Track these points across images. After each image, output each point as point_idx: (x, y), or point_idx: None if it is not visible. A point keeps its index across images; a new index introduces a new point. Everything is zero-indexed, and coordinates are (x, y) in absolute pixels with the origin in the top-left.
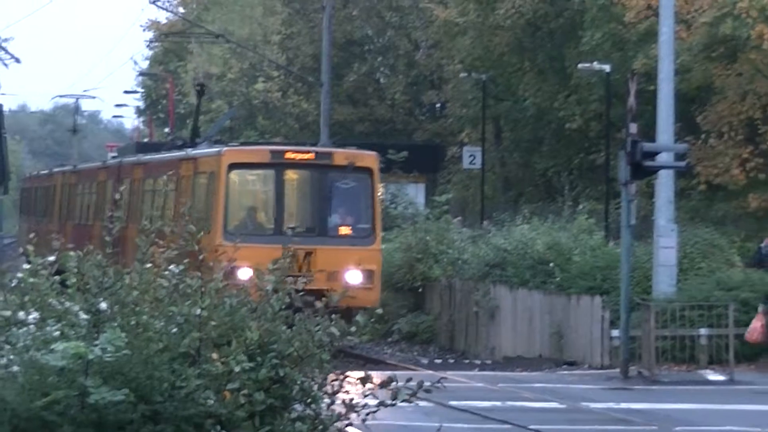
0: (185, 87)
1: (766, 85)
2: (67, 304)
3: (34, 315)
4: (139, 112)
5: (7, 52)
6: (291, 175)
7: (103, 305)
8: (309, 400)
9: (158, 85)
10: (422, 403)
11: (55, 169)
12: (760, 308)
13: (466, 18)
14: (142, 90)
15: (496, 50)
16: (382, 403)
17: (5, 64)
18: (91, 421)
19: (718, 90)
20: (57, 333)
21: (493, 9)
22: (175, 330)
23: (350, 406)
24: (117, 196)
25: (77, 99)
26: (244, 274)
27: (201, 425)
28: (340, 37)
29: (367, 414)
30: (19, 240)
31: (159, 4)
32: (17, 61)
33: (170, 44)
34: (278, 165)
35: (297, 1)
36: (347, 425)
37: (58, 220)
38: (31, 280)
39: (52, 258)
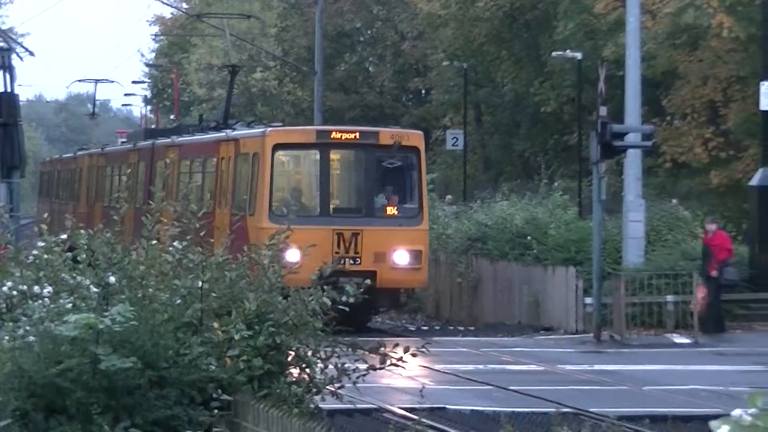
0: (189, 77)
1: (725, 71)
2: (79, 278)
3: (48, 289)
4: (146, 101)
5: (22, 46)
6: (336, 155)
7: (112, 279)
8: (304, 365)
9: (164, 75)
10: (410, 367)
11: (80, 152)
12: (699, 280)
13: (448, 10)
14: (149, 80)
15: (476, 40)
16: (371, 367)
17: (21, 58)
18: (102, 387)
19: (681, 75)
20: (69, 305)
21: (473, 2)
22: (179, 301)
23: (342, 371)
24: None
25: (96, 83)
26: (292, 255)
27: (204, 389)
28: (332, 29)
29: (358, 377)
30: (37, 221)
31: (164, 0)
32: (32, 54)
33: (174, 37)
34: (323, 145)
35: None
36: (339, 388)
37: (86, 203)
38: (46, 256)
39: (64, 236)
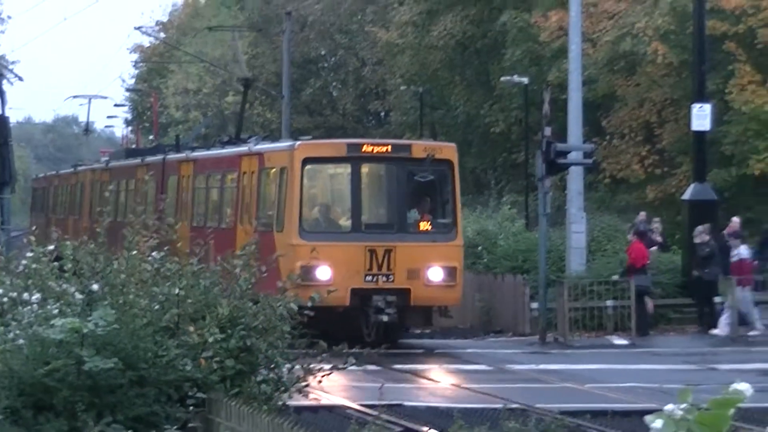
0: (166, 100)
1: (660, 94)
2: (65, 286)
3: (36, 296)
4: (128, 122)
5: (12, 72)
6: (368, 168)
7: (95, 287)
8: (273, 366)
9: (143, 99)
10: (370, 367)
11: (81, 167)
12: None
13: (405, 39)
14: (130, 103)
15: (431, 66)
16: (335, 367)
17: (11, 83)
18: (86, 386)
19: (620, 98)
20: (56, 311)
21: (427, 31)
22: (157, 307)
23: (308, 370)
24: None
25: (90, 99)
26: (324, 273)
27: (180, 388)
28: (298, 56)
29: (322, 376)
30: (28, 233)
31: (143, 30)
32: (21, 79)
33: (153, 64)
34: (354, 159)
35: (262, 25)
36: (305, 386)
37: (89, 217)
38: (34, 266)
39: (51, 247)
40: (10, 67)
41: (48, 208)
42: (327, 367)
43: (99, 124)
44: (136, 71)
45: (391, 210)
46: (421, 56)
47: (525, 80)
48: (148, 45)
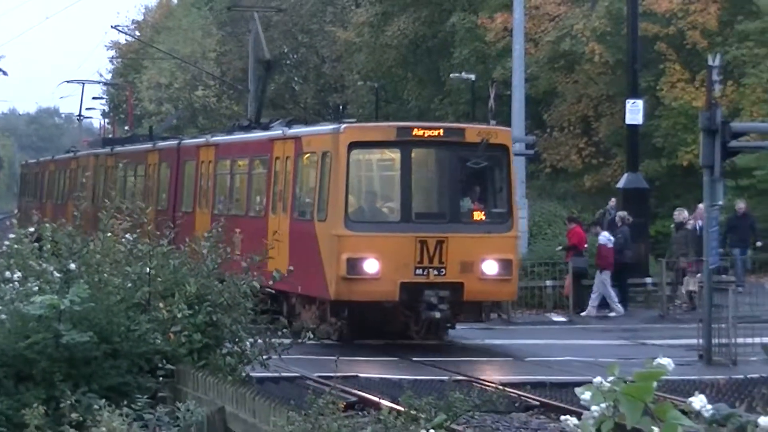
0: (141, 94)
1: (597, 90)
2: (44, 265)
3: (18, 274)
4: (105, 114)
5: None
6: (418, 154)
7: (72, 266)
8: (237, 340)
9: (119, 92)
10: (327, 342)
11: (82, 153)
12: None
13: (362, 38)
14: (107, 97)
15: (386, 63)
16: (294, 342)
17: None
18: (63, 358)
19: (559, 94)
20: (36, 288)
21: (382, 31)
22: (129, 285)
23: (269, 345)
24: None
25: (83, 84)
26: (371, 266)
27: (151, 360)
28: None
29: (283, 350)
30: (20, 217)
31: (119, 28)
32: (5, 74)
33: (128, 60)
34: (404, 143)
35: (229, 25)
36: (267, 359)
37: (92, 202)
38: (16, 246)
39: (32, 229)
40: None
41: (42, 192)
42: (287, 341)
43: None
44: (113, 66)
45: (443, 198)
46: (376, 54)
47: (472, 77)
48: (124, 42)
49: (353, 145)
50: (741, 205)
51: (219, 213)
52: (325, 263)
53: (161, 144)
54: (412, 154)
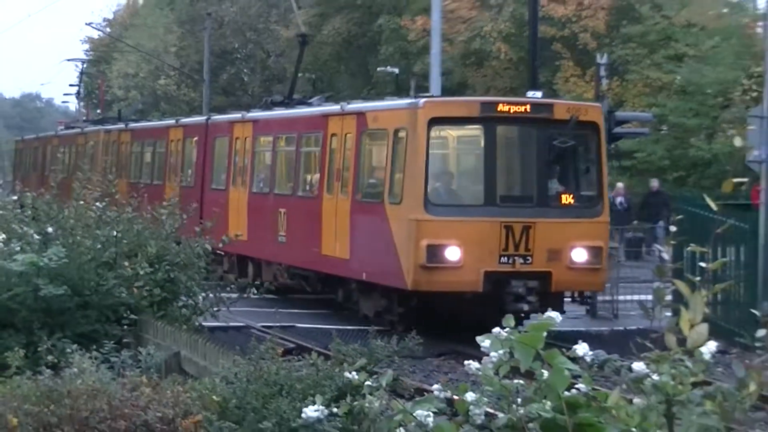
0: (111, 82)
1: (502, 83)
2: (25, 228)
3: (2, 236)
4: (78, 96)
5: None
6: (503, 131)
7: (50, 229)
8: (191, 294)
9: (93, 81)
10: (269, 296)
11: (91, 128)
12: None
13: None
14: (81, 84)
15: (322, 58)
16: (240, 296)
17: None
18: (41, 308)
19: (470, 86)
20: (18, 248)
21: (320, 30)
22: (99, 246)
23: (219, 299)
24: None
25: (83, 63)
26: (453, 254)
27: (117, 311)
28: (217, 48)
29: (231, 303)
30: (15, 191)
31: (92, 25)
32: None
33: (101, 53)
34: (489, 119)
35: (188, 23)
36: (217, 311)
37: (102, 176)
38: (1, 212)
39: (14, 197)
40: None
41: (42, 167)
42: (234, 295)
43: (57, 101)
44: (87, 58)
45: (530, 180)
46: (314, 50)
47: (396, 71)
48: (97, 37)
49: (433, 122)
50: (654, 183)
51: (258, 192)
52: (399, 250)
53: (185, 120)
54: (497, 132)
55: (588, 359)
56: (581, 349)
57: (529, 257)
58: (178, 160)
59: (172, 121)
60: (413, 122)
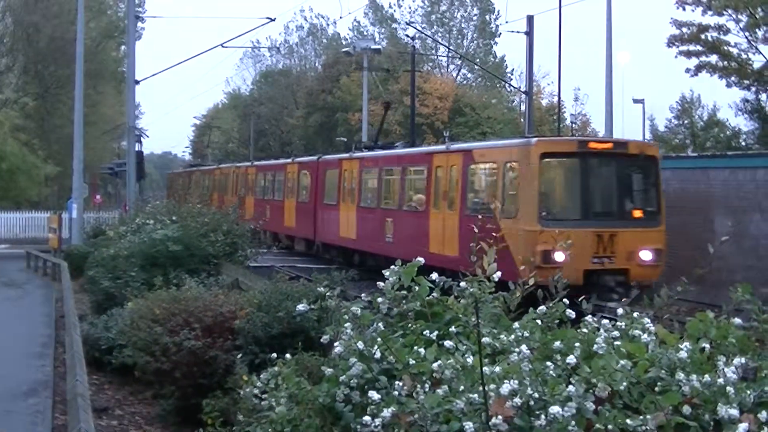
0: (206, 146)
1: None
2: (161, 218)
3: (152, 221)
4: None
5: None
6: (593, 163)
7: (174, 218)
8: (243, 250)
9: (196, 142)
10: (284, 251)
11: (225, 165)
12: None
13: (298, 122)
14: (191, 141)
15: (308, 132)
16: (269, 251)
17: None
18: (170, 256)
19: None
20: (159, 227)
21: (306, 120)
22: (198, 227)
23: (257, 251)
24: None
25: (211, 129)
26: (560, 256)
27: (207, 258)
28: (256, 128)
29: (264, 254)
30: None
31: (196, 117)
32: (147, 136)
33: (202, 130)
34: (583, 154)
35: (243, 117)
36: (256, 257)
37: (233, 195)
38: (153, 210)
39: (157, 201)
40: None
41: (188, 189)
42: (265, 250)
43: (175, 151)
44: (193, 138)
45: (612, 199)
46: (304, 129)
47: (345, 139)
48: (198, 122)
49: (543, 155)
50: None
51: (365, 206)
52: (514, 255)
53: (300, 159)
54: (589, 163)
55: (439, 281)
56: (434, 275)
57: (613, 257)
58: (294, 185)
59: (288, 160)
60: (526, 156)
